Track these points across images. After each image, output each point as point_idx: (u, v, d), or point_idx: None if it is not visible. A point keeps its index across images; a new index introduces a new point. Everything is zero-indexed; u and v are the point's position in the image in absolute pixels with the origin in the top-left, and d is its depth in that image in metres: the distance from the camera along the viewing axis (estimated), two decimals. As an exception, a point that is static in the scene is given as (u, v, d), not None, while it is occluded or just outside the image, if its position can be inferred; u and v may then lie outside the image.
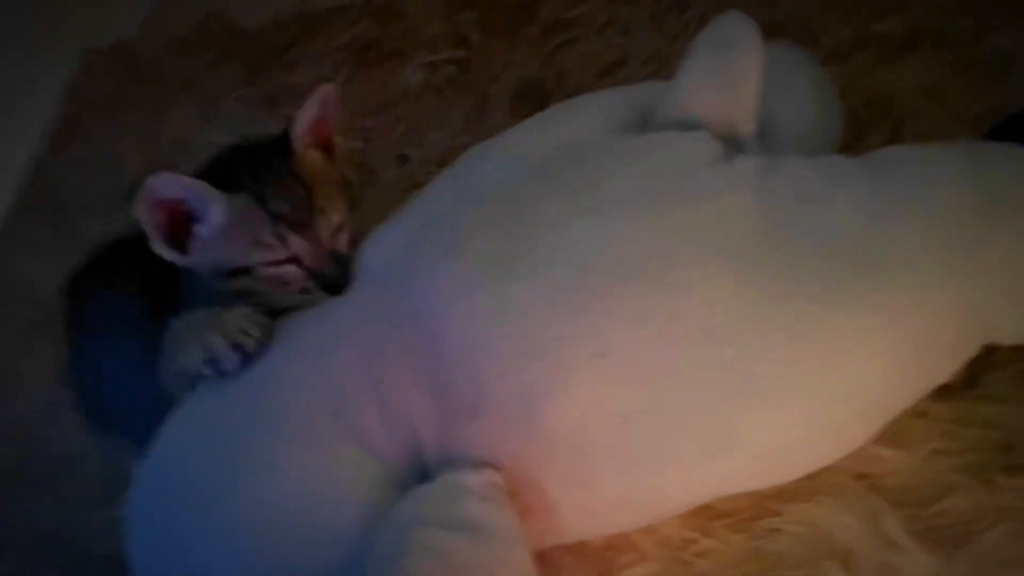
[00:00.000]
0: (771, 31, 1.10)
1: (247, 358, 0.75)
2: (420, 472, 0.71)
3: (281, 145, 0.83)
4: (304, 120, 0.83)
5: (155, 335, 0.82)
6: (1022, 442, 0.76)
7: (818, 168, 0.71)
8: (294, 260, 0.80)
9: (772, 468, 0.70)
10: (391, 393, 0.71)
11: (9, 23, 1.55)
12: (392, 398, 0.71)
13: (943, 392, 0.75)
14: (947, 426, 0.78)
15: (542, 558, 0.76)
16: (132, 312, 0.90)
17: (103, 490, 1.00)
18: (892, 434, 0.74)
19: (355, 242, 0.85)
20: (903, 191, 0.69)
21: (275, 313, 0.81)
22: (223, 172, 0.82)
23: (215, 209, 0.79)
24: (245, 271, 0.80)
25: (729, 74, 0.74)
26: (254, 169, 0.81)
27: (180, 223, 0.79)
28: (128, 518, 0.78)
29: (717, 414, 0.65)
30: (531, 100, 1.25)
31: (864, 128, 1.02)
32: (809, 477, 0.74)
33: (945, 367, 0.71)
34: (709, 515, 0.77)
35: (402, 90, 1.34)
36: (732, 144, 0.75)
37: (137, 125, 1.45)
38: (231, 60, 1.50)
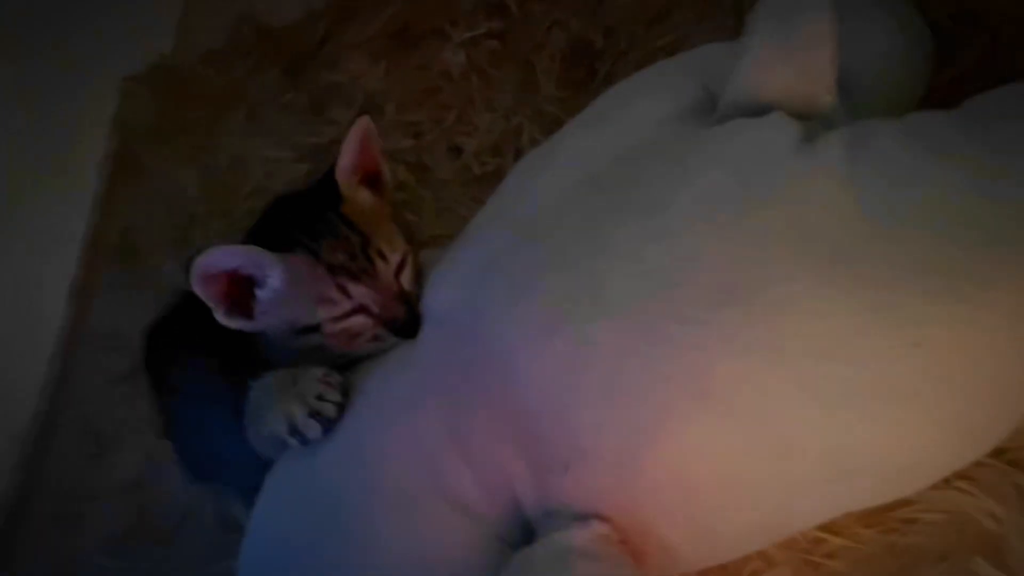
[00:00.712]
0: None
1: (328, 424, 0.73)
2: (524, 524, 0.68)
3: (328, 190, 0.79)
4: (346, 161, 0.79)
5: (235, 392, 0.81)
6: None
7: (913, 137, 0.63)
8: (361, 310, 0.76)
9: (906, 481, 0.64)
10: (479, 450, 0.68)
11: (44, 64, 1.54)
12: (480, 456, 0.68)
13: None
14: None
15: None
16: (210, 370, 0.89)
17: (217, 540, 1.01)
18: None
19: (420, 274, 0.81)
20: (1014, 151, 0.61)
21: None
22: (274, 231, 0.79)
23: (272, 272, 0.76)
24: (313, 329, 0.77)
25: (799, 46, 0.66)
26: (305, 222, 0.78)
27: (241, 289, 0.76)
28: None
29: (842, 437, 0.60)
30: (580, 63, 1.18)
31: (955, 46, 0.91)
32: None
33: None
34: (837, 511, 0.72)
35: (444, 73, 1.28)
36: (811, 119, 0.67)
37: (190, 150, 1.44)
38: (269, 65, 1.47)
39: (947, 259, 0.59)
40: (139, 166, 1.47)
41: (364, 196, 0.81)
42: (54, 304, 1.36)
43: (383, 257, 0.78)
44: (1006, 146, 0.61)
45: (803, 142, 0.65)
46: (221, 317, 0.76)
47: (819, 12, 0.65)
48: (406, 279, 0.79)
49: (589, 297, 0.64)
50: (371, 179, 0.82)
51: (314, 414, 0.73)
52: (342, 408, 0.74)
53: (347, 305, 0.76)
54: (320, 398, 0.73)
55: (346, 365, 0.79)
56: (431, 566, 0.67)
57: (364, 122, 0.79)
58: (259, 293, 0.77)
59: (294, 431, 0.73)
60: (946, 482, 0.70)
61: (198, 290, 0.74)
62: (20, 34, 1.63)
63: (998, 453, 0.70)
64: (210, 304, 0.75)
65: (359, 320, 0.77)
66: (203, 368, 0.90)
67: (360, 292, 0.76)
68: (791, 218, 0.61)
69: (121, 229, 1.41)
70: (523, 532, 0.68)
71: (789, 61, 0.67)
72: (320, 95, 1.38)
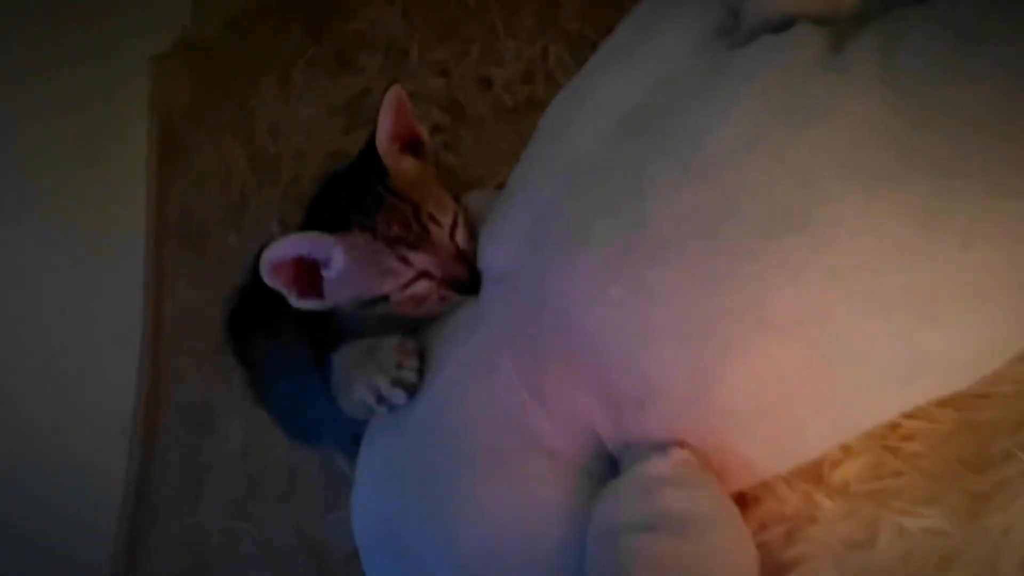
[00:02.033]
0: None
1: (412, 389, 0.77)
2: (609, 458, 0.71)
3: (372, 164, 0.81)
4: (384, 133, 0.81)
5: (319, 363, 0.85)
6: None
7: (946, 25, 0.61)
8: (423, 275, 0.79)
9: (972, 371, 0.65)
10: (554, 398, 0.70)
11: (68, 56, 1.54)
12: (557, 403, 0.70)
13: None
14: None
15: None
16: (295, 344, 0.93)
17: (327, 492, 1.09)
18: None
19: (472, 230, 0.83)
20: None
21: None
22: (329, 213, 0.81)
23: (334, 253, 0.79)
24: (381, 299, 0.80)
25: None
26: (356, 200, 0.80)
27: (308, 272, 0.80)
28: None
29: (903, 343, 0.61)
30: (601, -25, 1.15)
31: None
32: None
33: None
34: (907, 395, 0.74)
35: (462, 4, 1.26)
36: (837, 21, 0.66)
37: (228, 123, 1.46)
38: (290, 23, 1.47)
39: (992, 156, 0.58)
40: (183, 147, 1.50)
41: (408, 164, 0.83)
42: (130, 297, 1.42)
43: (435, 221, 0.80)
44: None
45: (833, 52, 0.64)
46: (294, 301, 0.80)
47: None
48: (460, 238, 0.82)
49: (639, 241, 0.65)
50: (411, 145, 0.84)
51: (397, 382, 0.77)
52: (421, 372, 0.78)
53: (409, 273, 0.79)
54: (400, 366, 0.77)
55: (417, 327, 0.83)
56: (527, 510, 0.71)
57: (396, 91, 0.80)
58: (325, 274, 0.80)
59: (380, 400, 0.78)
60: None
61: (269, 281, 0.78)
62: (34, 31, 1.62)
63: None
64: (282, 291, 0.79)
65: (423, 285, 0.80)
66: (287, 343, 0.94)
67: (420, 259, 0.79)
68: (831, 136, 0.61)
69: (179, 212, 1.45)
70: (609, 466, 0.71)
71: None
72: (344, 46, 1.38)
